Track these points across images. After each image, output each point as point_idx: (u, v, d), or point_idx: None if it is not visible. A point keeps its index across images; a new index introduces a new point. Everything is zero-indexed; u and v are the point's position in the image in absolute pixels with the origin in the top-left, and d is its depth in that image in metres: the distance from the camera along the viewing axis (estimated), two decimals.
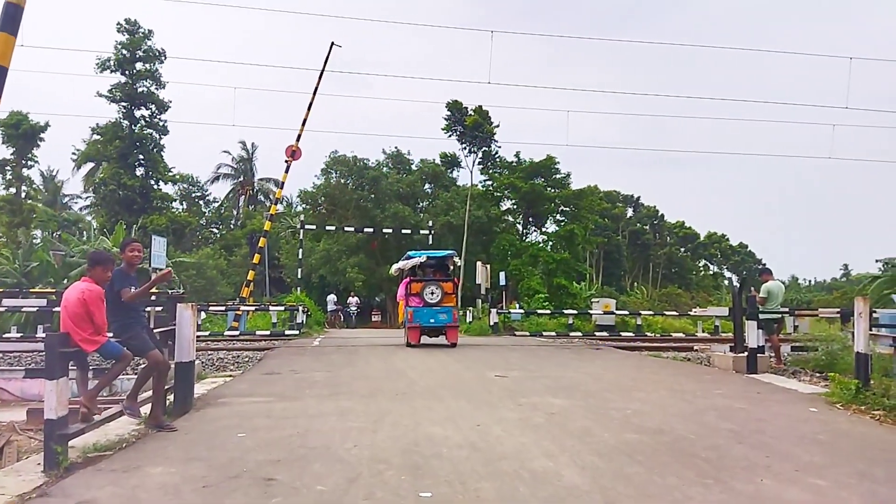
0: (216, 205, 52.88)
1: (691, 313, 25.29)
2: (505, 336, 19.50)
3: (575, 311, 23.26)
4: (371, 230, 32.30)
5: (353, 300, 33.87)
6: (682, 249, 68.80)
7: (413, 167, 39.52)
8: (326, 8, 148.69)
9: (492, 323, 20.20)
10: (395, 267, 16.86)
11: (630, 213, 66.65)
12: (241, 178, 52.96)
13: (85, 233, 33.93)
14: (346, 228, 32.75)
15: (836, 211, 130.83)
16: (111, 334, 5.63)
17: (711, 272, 72.41)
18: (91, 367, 6.17)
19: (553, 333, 20.08)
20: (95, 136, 39.21)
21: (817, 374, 10.10)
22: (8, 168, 37.53)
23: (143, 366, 6.15)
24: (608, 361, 12.13)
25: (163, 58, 37.89)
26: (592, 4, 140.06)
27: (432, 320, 14.50)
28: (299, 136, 24.13)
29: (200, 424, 6.08)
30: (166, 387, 6.25)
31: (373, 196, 36.74)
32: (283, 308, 21.11)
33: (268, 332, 18.48)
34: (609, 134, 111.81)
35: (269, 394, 7.87)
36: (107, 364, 6.38)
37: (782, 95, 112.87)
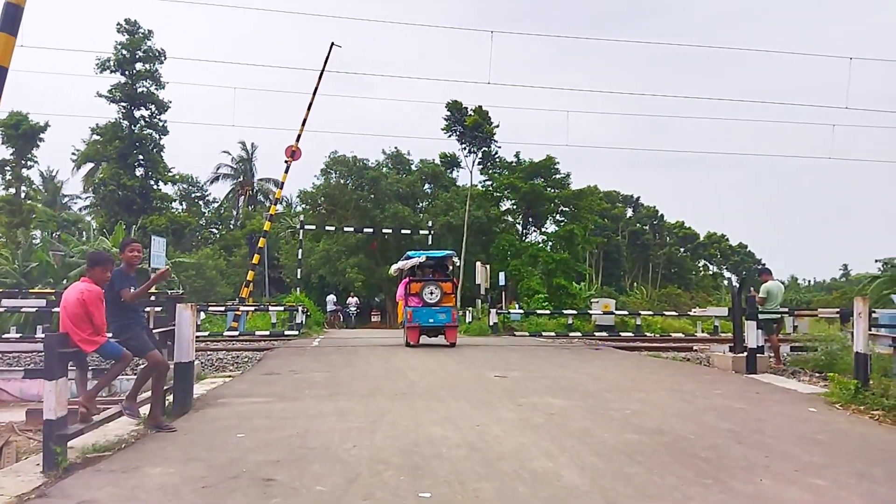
0: (216, 205, 52.91)
1: (691, 313, 25.31)
2: (504, 336, 19.49)
3: (574, 312, 23.27)
4: (371, 230, 32.29)
5: (352, 300, 33.87)
6: (682, 250, 68.82)
7: (413, 167, 39.53)
8: (326, 8, 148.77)
9: (491, 323, 20.19)
10: (394, 267, 16.88)
11: (630, 213, 66.66)
12: (241, 179, 52.97)
13: (84, 233, 33.90)
14: (346, 229, 32.74)
15: (836, 211, 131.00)
16: (110, 335, 5.63)
17: (711, 272, 72.44)
18: (90, 368, 6.17)
19: (552, 334, 20.07)
20: (95, 137, 39.21)
21: (817, 375, 10.11)
22: (8, 168, 37.52)
23: (142, 366, 6.15)
24: (608, 362, 12.13)
25: (163, 58, 37.91)
26: (592, 4, 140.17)
27: (431, 320, 14.52)
28: (299, 137, 24.12)
29: (200, 425, 6.08)
30: (165, 387, 6.25)
31: (372, 196, 36.74)
32: (282, 308, 21.09)
33: (267, 333, 18.46)
34: (609, 134, 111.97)
35: (268, 394, 7.86)
36: (106, 364, 6.38)
37: (782, 95, 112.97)
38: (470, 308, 24.00)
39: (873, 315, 11.45)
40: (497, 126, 36.96)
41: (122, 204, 37.16)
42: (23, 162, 37.74)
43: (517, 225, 40.13)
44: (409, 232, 31.59)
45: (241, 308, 20.81)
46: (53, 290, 19.19)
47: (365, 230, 32.47)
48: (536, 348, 15.07)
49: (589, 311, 23.14)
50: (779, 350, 11.75)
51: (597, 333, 20.34)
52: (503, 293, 26.44)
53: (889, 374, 8.79)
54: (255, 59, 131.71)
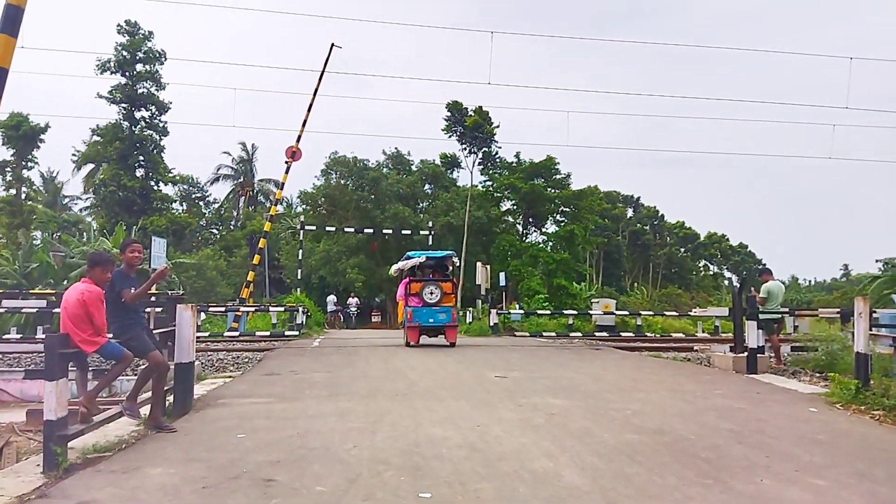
0: (216, 206, 52.94)
1: (691, 313, 25.30)
2: (505, 336, 19.50)
3: (575, 312, 23.27)
4: (371, 231, 32.29)
5: (352, 301, 33.86)
6: (682, 250, 68.81)
7: (413, 168, 39.52)
8: (326, 9, 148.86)
9: (492, 323, 20.20)
10: (394, 267, 16.91)
11: (630, 213, 66.65)
12: (241, 179, 52.98)
13: (85, 234, 33.90)
14: (346, 229, 32.75)
15: (836, 211, 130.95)
16: (111, 335, 5.63)
17: (711, 272, 72.42)
18: (91, 368, 6.17)
19: (553, 334, 20.08)
20: (95, 138, 39.21)
21: (817, 375, 10.10)
22: (8, 169, 37.54)
23: (142, 367, 6.15)
24: (608, 362, 12.13)
25: (163, 59, 37.91)
26: (592, 4, 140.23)
27: (431, 320, 14.55)
28: (299, 137, 24.14)
29: (200, 425, 6.08)
30: (166, 388, 6.25)
31: (373, 197, 36.73)
32: (282, 309, 21.10)
33: (267, 333, 18.47)
34: (609, 134, 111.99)
35: (268, 395, 7.87)
36: (107, 365, 6.38)
37: (782, 95, 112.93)
38: (470, 308, 24.00)
39: (874, 315, 11.43)
40: (497, 126, 37.00)
41: (123, 205, 37.16)
42: (23, 163, 37.77)
43: (517, 225, 40.12)
44: (409, 232, 31.59)
45: (242, 309, 20.83)
46: (54, 291, 19.18)
47: (365, 231, 32.48)
48: (537, 348, 15.07)
49: (589, 312, 23.15)
50: (779, 350, 11.75)
51: (597, 334, 20.35)
52: (503, 293, 26.43)
53: (890, 374, 8.79)
54: (255, 59, 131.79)
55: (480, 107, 36.30)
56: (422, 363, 11.19)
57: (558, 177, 38.20)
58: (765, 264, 48.39)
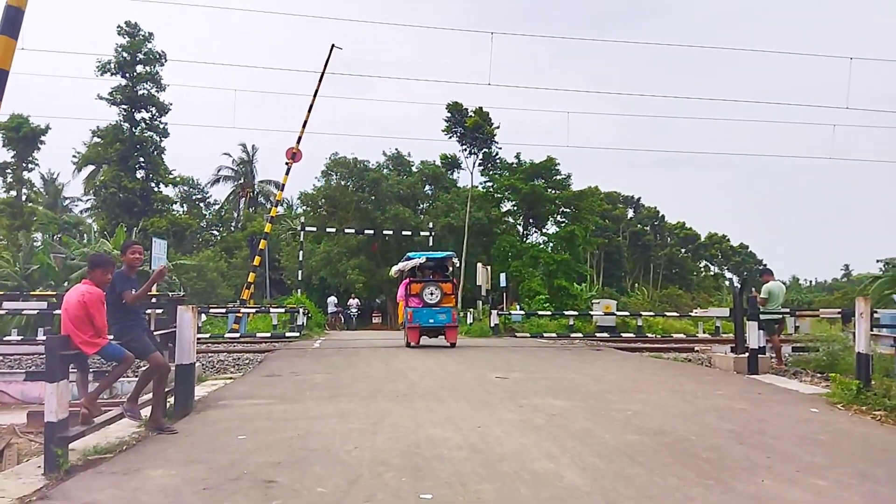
0: (217, 207, 52.94)
1: (692, 314, 25.31)
2: (506, 337, 19.50)
3: (576, 313, 23.25)
4: (371, 232, 32.30)
5: (353, 302, 33.87)
6: (683, 250, 68.84)
7: (413, 169, 39.54)
8: (326, 9, 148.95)
9: (492, 324, 20.20)
10: (395, 268, 16.94)
11: (630, 213, 66.68)
12: (242, 181, 52.99)
13: (85, 235, 33.95)
14: (347, 230, 32.76)
15: (837, 211, 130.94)
16: (112, 337, 5.63)
17: (712, 273, 72.48)
18: (92, 370, 6.17)
19: (554, 335, 20.06)
20: (96, 139, 39.22)
21: (818, 375, 10.10)
22: (8, 171, 37.54)
23: (143, 368, 6.15)
24: (609, 363, 12.12)
25: (163, 60, 37.91)
26: (592, 5, 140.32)
27: (431, 320, 14.58)
28: (300, 139, 24.13)
29: (201, 427, 6.08)
30: (167, 389, 6.25)
31: (373, 198, 36.75)
32: (283, 310, 21.08)
33: (268, 335, 18.48)
34: (609, 135, 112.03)
35: (269, 396, 7.87)
36: (107, 366, 6.38)
37: (782, 95, 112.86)
38: (471, 309, 24.02)
39: (875, 315, 11.45)
40: (497, 127, 37.03)
41: (123, 206, 37.18)
42: (24, 164, 37.77)
43: (518, 226, 40.14)
44: (409, 233, 31.61)
45: (242, 310, 20.80)
46: (54, 293, 19.21)
47: (366, 232, 32.49)
48: (537, 349, 15.07)
49: (590, 312, 23.15)
50: (780, 350, 11.74)
51: (598, 334, 20.33)
52: (504, 294, 26.44)
53: (891, 375, 8.77)
54: (256, 60, 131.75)
55: (480, 107, 36.38)
56: (422, 364, 11.18)
57: (558, 177, 38.24)
58: (765, 265, 48.44)
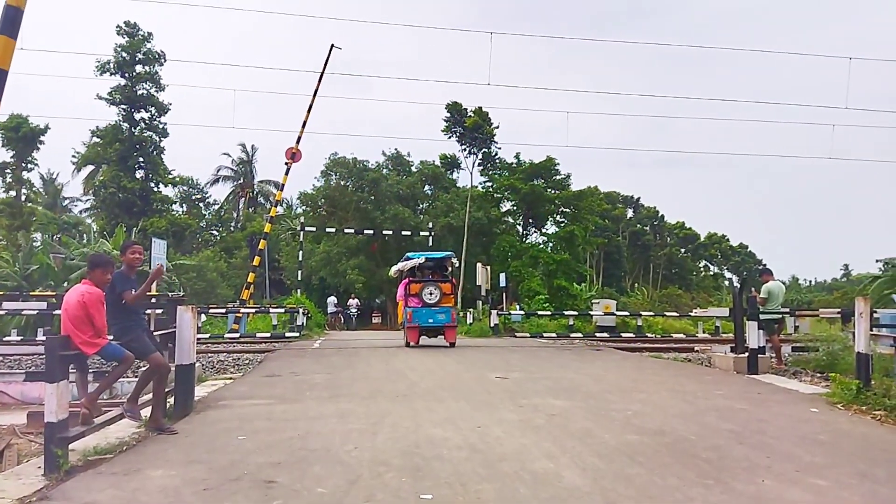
0: (216, 207, 52.92)
1: (692, 314, 25.33)
2: (505, 337, 19.50)
3: (575, 313, 23.26)
4: (371, 232, 32.30)
5: (353, 302, 33.86)
6: (683, 250, 68.84)
7: (413, 169, 39.53)
8: (325, 9, 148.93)
9: (492, 324, 20.20)
10: (394, 268, 16.96)
11: (630, 213, 66.69)
12: (241, 181, 52.98)
13: (85, 235, 33.90)
14: (346, 230, 32.75)
15: (837, 211, 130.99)
16: (112, 337, 5.63)
17: (712, 273, 72.48)
18: (91, 370, 6.17)
19: (553, 335, 20.07)
20: (95, 139, 39.23)
21: (818, 375, 10.10)
22: (8, 171, 37.53)
23: (143, 368, 6.15)
24: (609, 363, 12.12)
25: (162, 60, 37.91)
26: (592, 5, 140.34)
27: (431, 320, 14.60)
28: (299, 139, 24.12)
29: (201, 427, 6.08)
30: (167, 389, 6.25)
31: (373, 198, 36.74)
32: (283, 310, 21.09)
33: (268, 335, 18.48)
34: (609, 135, 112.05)
35: (269, 396, 7.86)
36: (107, 367, 6.38)
37: (782, 95, 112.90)
38: (471, 309, 24.01)
39: (875, 315, 11.44)
40: (497, 127, 37.03)
41: (123, 206, 37.17)
42: (23, 164, 37.76)
43: (517, 226, 40.14)
44: (409, 233, 31.60)
45: (242, 310, 20.80)
46: (54, 293, 19.21)
47: (365, 232, 32.49)
48: (537, 349, 15.07)
49: (590, 312, 23.16)
50: (780, 350, 11.74)
51: (598, 334, 20.34)
52: (504, 294, 26.43)
53: (891, 375, 8.78)
54: (255, 60, 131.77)
55: (480, 107, 36.37)
56: (422, 364, 11.18)
57: (558, 177, 38.24)
58: (765, 264, 48.41)
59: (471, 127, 35.91)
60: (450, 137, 37.18)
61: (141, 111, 38.09)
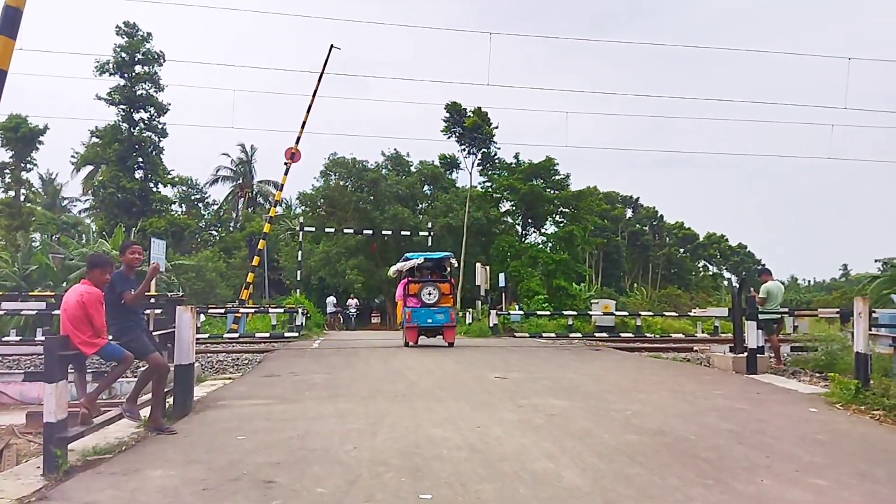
0: (215, 207, 52.84)
1: (691, 314, 25.37)
2: (505, 337, 19.51)
3: (574, 313, 23.28)
4: (370, 232, 32.29)
5: (352, 302, 33.85)
6: (682, 250, 68.88)
7: (412, 169, 39.51)
8: (325, 9, 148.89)
9: (491, 324, 20.20)
10: (393, 269, 16.97)
11: (629, 213, 66.69)
12: (241, 181, 52.94)
13: (84, 236, 33.87)
14: (346, 230, 32.75)
15: (836, 211, 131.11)
16: (111, 337, 5.63)
17: (711, 273, 72.54)
18: (91, 370, 6.16)
19: (553, 335, 20.08)
20: (94, 139, 39.19)
21: (817, 375, 10.10)
22: (7, 171, 37.48)
23: (142, 368, 6.14)
24: (608, 363, 12.12)
25: (162, 60, 37.86)
26: (592, 5, 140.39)
27: (430, 320, 14.61)
28: (298, 139, 24.11)
29: (200, 427, 6.07)
30: (166, 389, 6.24)
31: (372, 198, 36.73)
32: (282, 310, 21.09)
33: (267, 335, 18.47)
34: (608, 135, 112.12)
35: (268, 396, 7.86)
36: (106, 367, 6.37)
37: (781, 95, 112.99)
38: (470, 309, 24.01)
39: (873, 315, 11.46)
40: (496, 127, 36.99)
41: (122, 206, 37.13)
42: (22, 165, 37.70)
43: (517, 226, 40.14)
44: (408, 233, 31.60)
45: (241, 310, 20.79)
46: (53, 293, 19.17)
47: (364, 232, 32.48)
48: (537, 349, 15.07)
49: (589, 312, 23.18)
50: (779, 350, 11.75)
51: (597, 334, 20.34)
52: (503, 294, 26.44)
53: (889, 374, 8.79)
54: (254, 60, 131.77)
55: (479, 107, 36.34)
56: (421, 364, 11.18)
57: (557, 177, 38.24)
58: (764, 264, 48.47)
59: (470, 127, 35.89)
60: (449, 137, 37.20)
61: (140, 111, 38.05)
